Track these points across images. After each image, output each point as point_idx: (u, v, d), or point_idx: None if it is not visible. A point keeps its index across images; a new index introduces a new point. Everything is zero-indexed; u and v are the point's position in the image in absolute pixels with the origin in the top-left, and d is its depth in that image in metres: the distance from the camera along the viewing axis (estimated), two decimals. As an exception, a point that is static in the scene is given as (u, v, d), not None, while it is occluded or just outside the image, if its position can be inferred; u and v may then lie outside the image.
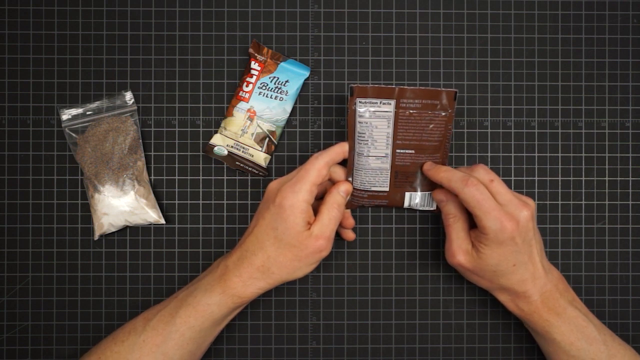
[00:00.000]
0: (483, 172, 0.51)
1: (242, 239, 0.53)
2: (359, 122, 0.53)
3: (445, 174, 0.52)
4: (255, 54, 0.58)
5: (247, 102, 0.58)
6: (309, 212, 0.50)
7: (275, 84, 0.58)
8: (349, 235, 0.57)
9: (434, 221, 0.60)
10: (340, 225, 0.57)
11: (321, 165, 0.51)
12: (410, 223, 0.60)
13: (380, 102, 0.53)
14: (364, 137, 0.54)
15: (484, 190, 0.50)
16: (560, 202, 0.60)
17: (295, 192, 0.49)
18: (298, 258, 0.50)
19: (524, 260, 0.51)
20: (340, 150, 0.52)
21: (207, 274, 0.53)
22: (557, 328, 0.51)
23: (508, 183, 0.60)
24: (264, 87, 0.58)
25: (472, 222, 0.54)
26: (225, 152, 0.58)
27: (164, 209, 0.59)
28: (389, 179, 0.55)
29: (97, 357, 0.51)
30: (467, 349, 0.60)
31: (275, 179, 0.55)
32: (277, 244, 0.50)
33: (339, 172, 0.54)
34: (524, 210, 0.50)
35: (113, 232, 0.59)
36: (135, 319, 0.53)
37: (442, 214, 0.54)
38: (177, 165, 0.59)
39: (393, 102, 0.52)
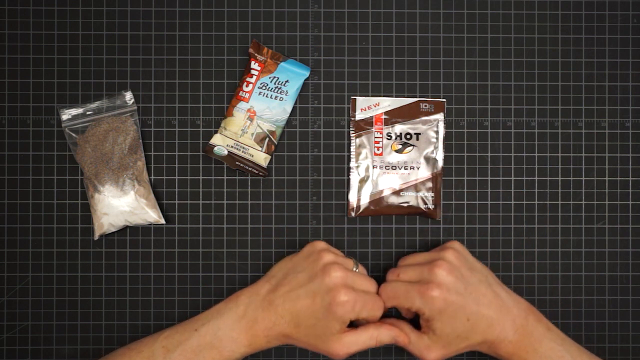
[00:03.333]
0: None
1: (274, 285, 0.53)
2: None
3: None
4: (255, 54, 0.58)
5: (247, 102, 0.58)
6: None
7: (275, 84, 0.58)
8: None
9: (434, 221, 0.60)
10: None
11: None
12: (410, 223, 0.60)
13: None
14: None
15: (391, 287, 0.53)
16: (560, 202, 0.60)
17: (354, 310, 0.51)
18: (314, 346, 0.52)
19: (473, 309, 0.51)
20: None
21: (230, 316, 0.52)
22: None
23: (508, 183, 0.60)
24: (264, 87, 0.58)
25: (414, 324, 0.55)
26: (225, 152, 0.58)
27: (164, 209, 0.59)
28: None
29: None
30: (467, 349, 0.59)
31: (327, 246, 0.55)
32: (309, 331, 0.51)
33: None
34: (436, 270, 0.51)
35: (113, 232, 0.59)
36: (151, 343, 0.52)
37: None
38: (177, 165, 0.59)
39: None
